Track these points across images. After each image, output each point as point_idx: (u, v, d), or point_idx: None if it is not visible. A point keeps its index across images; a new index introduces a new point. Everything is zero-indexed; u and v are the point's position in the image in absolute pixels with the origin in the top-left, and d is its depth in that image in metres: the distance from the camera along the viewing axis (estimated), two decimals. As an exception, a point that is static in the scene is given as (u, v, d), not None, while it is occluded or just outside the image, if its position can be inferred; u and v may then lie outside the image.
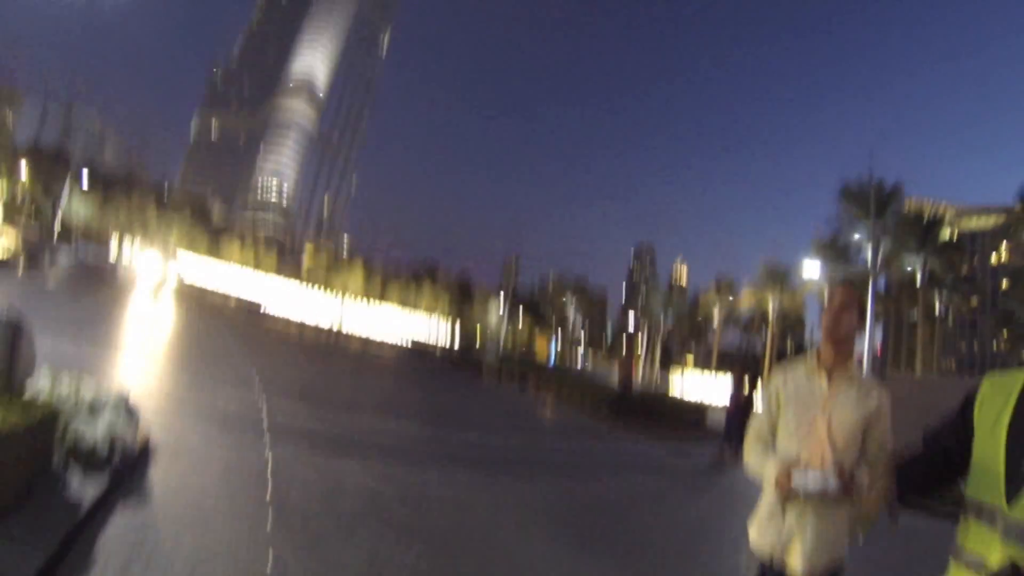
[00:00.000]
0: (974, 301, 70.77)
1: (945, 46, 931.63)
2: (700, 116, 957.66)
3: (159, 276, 29.24)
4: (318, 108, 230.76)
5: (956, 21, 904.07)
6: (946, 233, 59.23)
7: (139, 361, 11.79)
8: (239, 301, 69.87)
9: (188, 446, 6.81)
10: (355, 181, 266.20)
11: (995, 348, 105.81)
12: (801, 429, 2.95)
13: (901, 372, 66.88)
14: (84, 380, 5.98)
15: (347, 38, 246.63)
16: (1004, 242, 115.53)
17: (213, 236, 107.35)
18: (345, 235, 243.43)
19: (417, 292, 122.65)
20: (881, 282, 56.48)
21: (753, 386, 17.04)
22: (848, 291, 3.10)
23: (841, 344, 3.03)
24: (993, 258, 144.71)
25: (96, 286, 28.44)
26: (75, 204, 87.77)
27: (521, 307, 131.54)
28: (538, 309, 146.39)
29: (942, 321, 56.48)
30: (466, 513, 6.64)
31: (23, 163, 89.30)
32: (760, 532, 2.99)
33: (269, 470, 6.55)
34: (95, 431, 5.06)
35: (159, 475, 5.62)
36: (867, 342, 29.54)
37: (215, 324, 25.45)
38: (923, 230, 52.71)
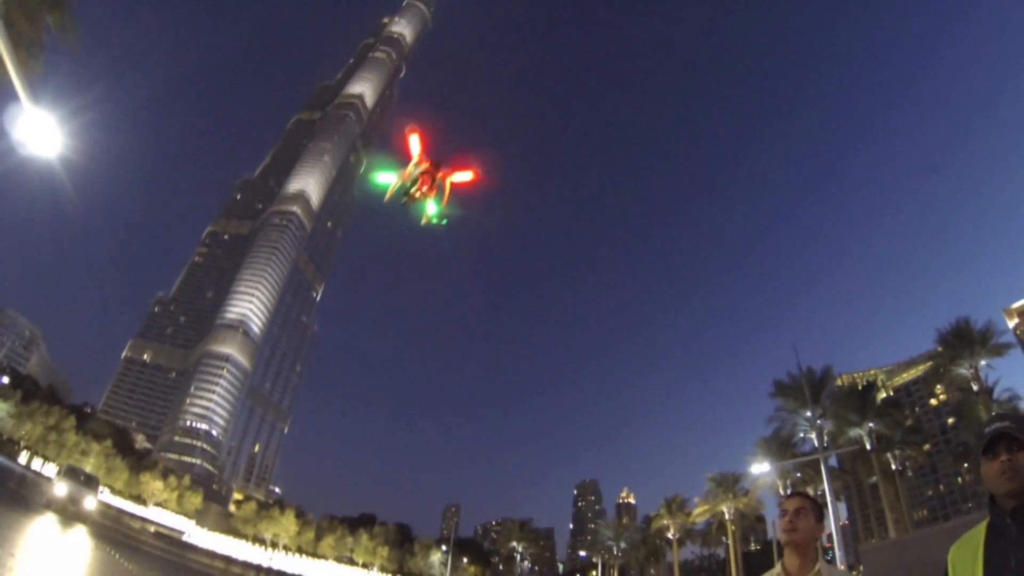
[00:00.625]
0: (927, 447, 71.95)
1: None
2: (633, 348, 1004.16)
3: (71, 498, 26.15)
4: (252, 353, 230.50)
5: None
6: (882, 394, 61.77)
7: None
8: (159, 529, 65.05)
9: None
10: (287, 431, 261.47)
11: (960, 482, 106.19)
12: None
13: (875, 538, 65.25)
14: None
15: (283, 286, 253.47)
16: (937, 385, 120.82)
17: (134, 468, 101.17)
18: (275, 487, 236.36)
19: (354, 542, 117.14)
20: (833, 459, 56.86)
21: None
22: (798, 498, 3.25)
23: (804, 548, 3.10)
24: (933, 401, 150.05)
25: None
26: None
27: (465, 553, 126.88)
28: (483, 553, 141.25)
29: (902, 476, 57.22)
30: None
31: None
32: None
33: None
34: None
35: None
36: (833, 522, 28.87)
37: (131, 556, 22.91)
38: (860, 399, 54.18)
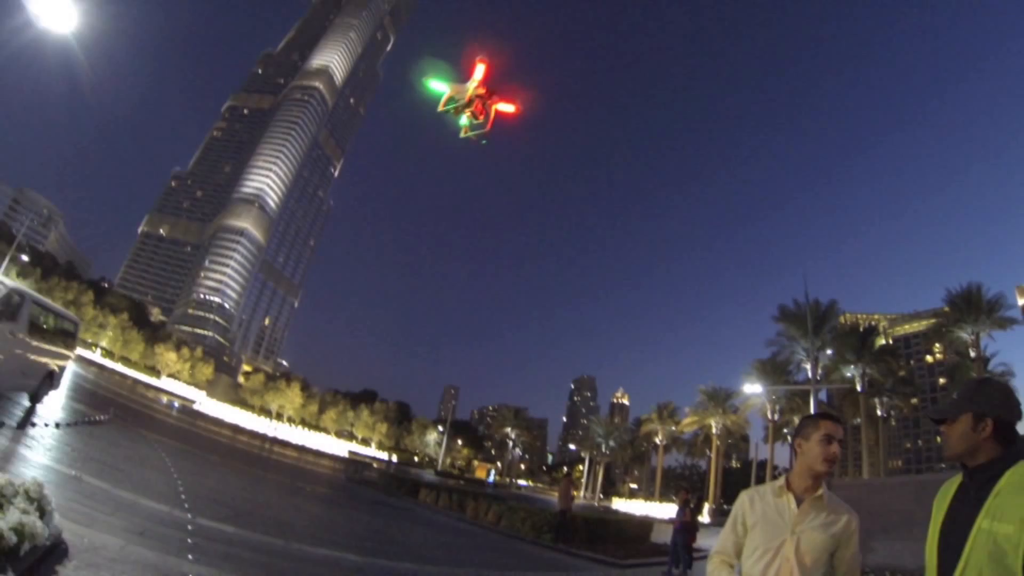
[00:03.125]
0: (915, 400, 73.60)
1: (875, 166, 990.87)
2: (641, 251, 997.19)
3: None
4: (267, 228, 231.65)
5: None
6: (881, 340, 62.12)
7: (55, 453, 10.89)
8: (172, 398, 67.67)
9: (104, 550, 6.13)
10: (297, 305, 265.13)
11: (938, 441, 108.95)
12: (769, 551, 2.93)
13: (849, 476, 67.73)
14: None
15: (302, 162, 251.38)
16: (937, 343, 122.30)
17: (149, 340, 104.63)
18: (283, 360, 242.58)
19: (355, 417, 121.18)
20: (823, 393, 58.25)
21: (698, 508, 16.91)
22: (839, 426, 3.10)
23: (823, 476, 3.05)
24: (928, 358, 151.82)
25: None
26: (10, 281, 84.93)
27: (460, 435, 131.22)
28: (477, 437, 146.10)
29: (885, 423, 58.76)
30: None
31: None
32: None
33: None
34: (3, 522, 4.51)
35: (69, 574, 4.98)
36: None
37: (147, 424, 24.31)
38: (859, 340, 55.01)
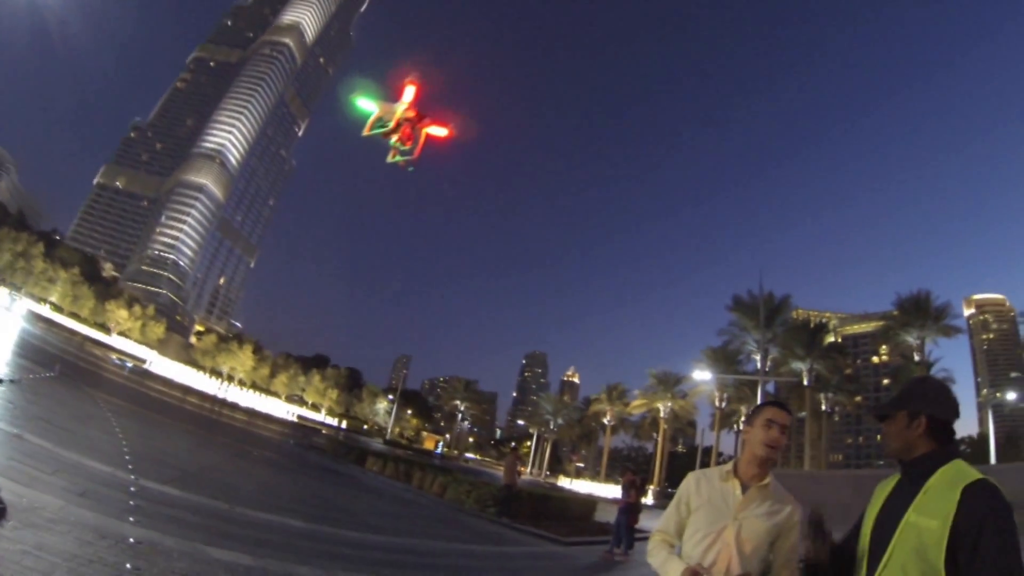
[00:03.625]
0: (858, 398, 75.96)
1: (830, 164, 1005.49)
2: (600, 238, 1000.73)
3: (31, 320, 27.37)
4: (227, 185, 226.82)
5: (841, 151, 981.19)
6: (830, 338, 63.86)
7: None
8: (123, 356, 66.57)
9: (43, 511, 6.17)
10: (253, 265, 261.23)
11: (878, 440, 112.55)
12: (710, 535, 2.95)
13: (791, 467, 69.58)
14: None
15: (266, 119, 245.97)
16: (884, 345, 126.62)
17: (101, 296, 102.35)
18: (236, 321, 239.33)
19: (306, 382, 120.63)
20: (771, 385, 59.68)
21: (642, 490, 17.22)
22: (788, 415, 3.15)
23: (767, 463, 3.09)
24: (875, 359, 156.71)
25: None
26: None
27: (410, 405, 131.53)
28: (427, 407, 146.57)
29: (829, 418, 60.84)
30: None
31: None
32: None
33: (131, 547, 5.97)
34: None
35: (5, 539, 5.03)
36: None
37: (95, 382, 24.00)
38: (809, 336, 56.30)
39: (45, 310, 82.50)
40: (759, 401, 29.04)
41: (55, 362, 25.71)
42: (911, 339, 51.02)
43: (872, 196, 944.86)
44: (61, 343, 46.04)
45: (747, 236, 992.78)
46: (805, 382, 54.90)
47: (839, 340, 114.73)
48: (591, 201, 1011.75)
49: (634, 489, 17.07)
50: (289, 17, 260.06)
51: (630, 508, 16.37)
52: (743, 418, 60.35)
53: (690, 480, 3.18)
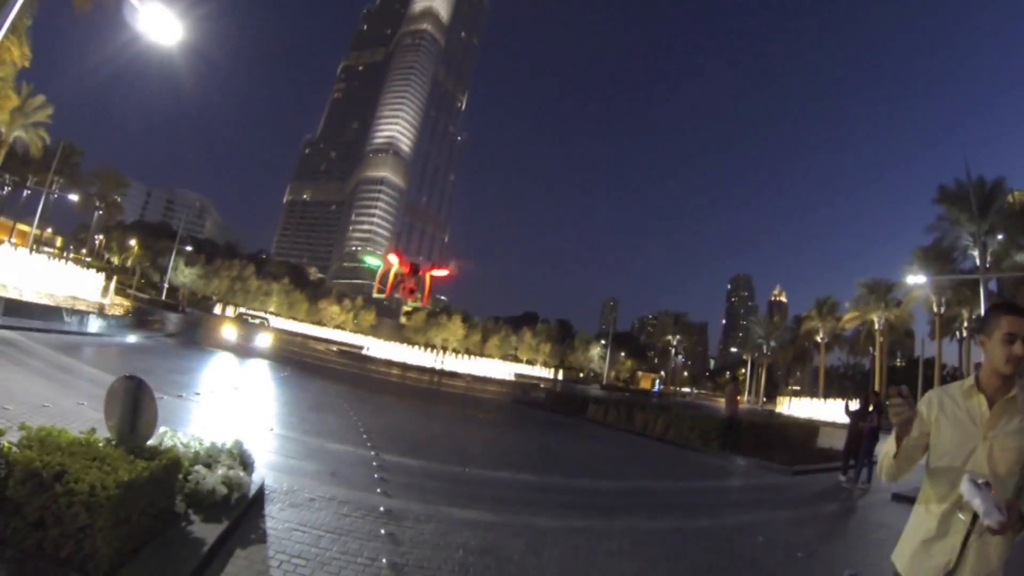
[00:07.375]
0: None
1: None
2: (792, 149, 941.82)
3: (242, 340, 30.85)
4: (404, 172, 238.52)
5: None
6: None
7: (251, 410, 12.24)
8: (341, 347, 71.50)
9: (301, 492, 6.93)
10: (447, 239, 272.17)
11: None
12: (959, 457, 2.66)
13: None
14: (200, 432, 6.47)
15: (426, 103, 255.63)
16: None
17: (312, 298, 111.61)
18: (441, 295, 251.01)
19: (518, 340, 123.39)
20: (993, 283, 52.56)
21: (880, 410, 16.04)
22: None
23: (1013, 376, 2.69)
24: None
25: (205, 344, 30.05)
26: (180, 273, 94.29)
27: (622, 347, 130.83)
28: (639, 347, 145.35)
29: None
30: (587, 563, 6.41)
31: (133, 240, 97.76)
32: (912, 564, 2.71)
33: (383, 515, 6.59)
34: (213, 478, 5.37)
35: (274, 519, 5.80)
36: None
37: (322, 373, 26.40)
38: (1033, 221, 48.41)
39: (277, 320, 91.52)
40: (982, 302, 25.80)
41: (287, 363, 28.84)
42: None
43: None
44: (288, 345, 50.40)
45: (951, 122, 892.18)
46: (1036, 274, 47.82)
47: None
48: (784, 121, 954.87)
49: (879, 412, 15.91)
50: (420, 5, 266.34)
51: (874, 433, 15.38)
52: (966, 323, 54.18)
53: (931, 399, 2.84)
